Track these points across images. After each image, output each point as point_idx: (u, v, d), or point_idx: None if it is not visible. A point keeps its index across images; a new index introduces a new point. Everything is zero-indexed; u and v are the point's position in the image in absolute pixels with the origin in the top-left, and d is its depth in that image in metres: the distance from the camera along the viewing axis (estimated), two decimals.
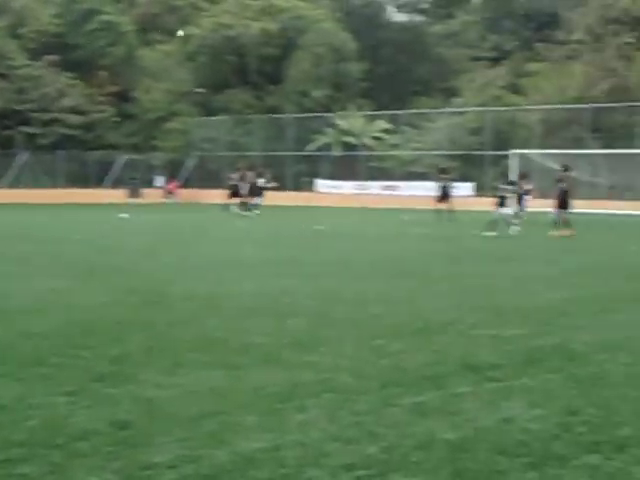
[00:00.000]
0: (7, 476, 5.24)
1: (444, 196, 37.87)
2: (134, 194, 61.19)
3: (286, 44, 70.69)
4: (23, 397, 6.94)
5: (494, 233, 27.58)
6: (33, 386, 7.30)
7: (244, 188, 42.01)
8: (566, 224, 28.07)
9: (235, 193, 41.48)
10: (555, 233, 27.67)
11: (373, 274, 16.20)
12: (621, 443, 5.99)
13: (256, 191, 42.22)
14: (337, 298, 12.72)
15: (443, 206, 37.39)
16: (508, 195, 29.54)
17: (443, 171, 39.40)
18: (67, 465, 5.41)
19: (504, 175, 32.83)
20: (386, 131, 63.12)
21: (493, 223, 28.39)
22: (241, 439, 5.97)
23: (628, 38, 59.29)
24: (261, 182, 43.12)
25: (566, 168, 30.32)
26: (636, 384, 7.65)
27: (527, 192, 37.47)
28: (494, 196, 30.03)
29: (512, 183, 31.27)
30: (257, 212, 40.48)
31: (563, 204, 28.66)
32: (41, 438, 5.93)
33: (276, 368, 8.07)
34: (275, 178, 45.32)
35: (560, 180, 29.32)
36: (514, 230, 28.18)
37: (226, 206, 41.83)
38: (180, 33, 67.47)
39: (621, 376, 7.97)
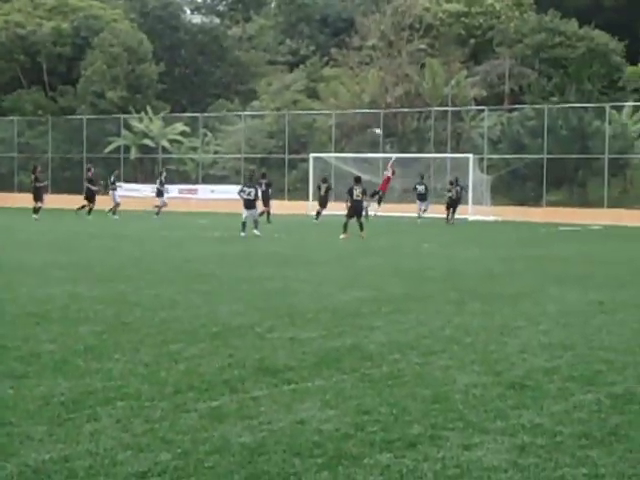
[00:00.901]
0: None
1: (264, 199, 38.33)
2: None
3: (80, 44, 69.16)
4: None
5: (257, 232, 28.57)
6: None
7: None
8: (345, 228, 29.10)
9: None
10: (343, 236, 28.48)
11: (169, 278, 16.00)
12: (412, 441, 6.11)
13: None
14: (131, 303, 12.49)
15: (265, 209, 37.79)
16: (253, 197, 29.81)
17: (263, 176, 39.81)
18: None
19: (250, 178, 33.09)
20: (184, 134, 62.71)
21: (244, 224, 29.01)
22: (30, 450, 5.79)
23: (421, 45, 61.18)
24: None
25: (357, 180, 31.27)
26: (426, 383, 7.84)
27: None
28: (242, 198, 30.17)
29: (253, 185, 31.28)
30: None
31: (352, 212, 29.63)
32: None
33: (67, 376, 7.85)
34: (69, 181, 44.44)
35: (351, 191, 30.20)
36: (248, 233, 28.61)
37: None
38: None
39: (413, 375, 8.15)
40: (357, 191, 30.00)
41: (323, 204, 39.73)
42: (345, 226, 29.02)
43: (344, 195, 31.38)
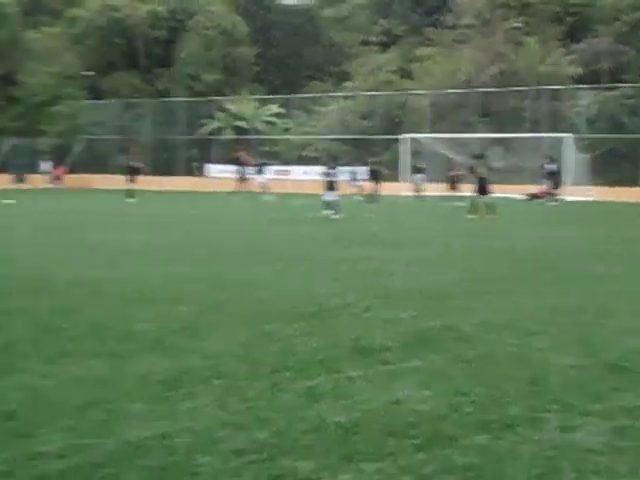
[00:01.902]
0: None
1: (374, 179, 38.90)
2: (20, 180, 59.78)
3: (175, 27, 69.83)
4: None
5: (331, 212, 28.47)
6: None
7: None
8: (490, 208, 28.75)
9: None
10: (473, 216, 28.21)
11: (265, 259, 16.09)
12: (509, 422, 6.05)
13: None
14: (227, 283, 12.59)
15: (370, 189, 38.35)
16: (335, 179, 29.58)
17: (373, 156, 40.39)
18: None
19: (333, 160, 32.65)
20: (278, 115, 62.96)
21: (327, 205, 29.02)
22: (129, 427, 5.88)
23: (516, 23, 60.22)
24: None
25: (479, 156, 30.83)
26: (523, 364, 7.74)
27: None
28: (326, 181, 29.90)
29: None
30: None
31: (482, 190, 29.20)
32: None
33: (164, 355, 7.95)
34: (166, 162, 45.20)
35: (473, 168, 29.73)
36: (328, 214, 28.48)
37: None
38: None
39: (508, 356, 8.06)
40: (481, 169, 29.48)
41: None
42: (475, 205, 28.81)
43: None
